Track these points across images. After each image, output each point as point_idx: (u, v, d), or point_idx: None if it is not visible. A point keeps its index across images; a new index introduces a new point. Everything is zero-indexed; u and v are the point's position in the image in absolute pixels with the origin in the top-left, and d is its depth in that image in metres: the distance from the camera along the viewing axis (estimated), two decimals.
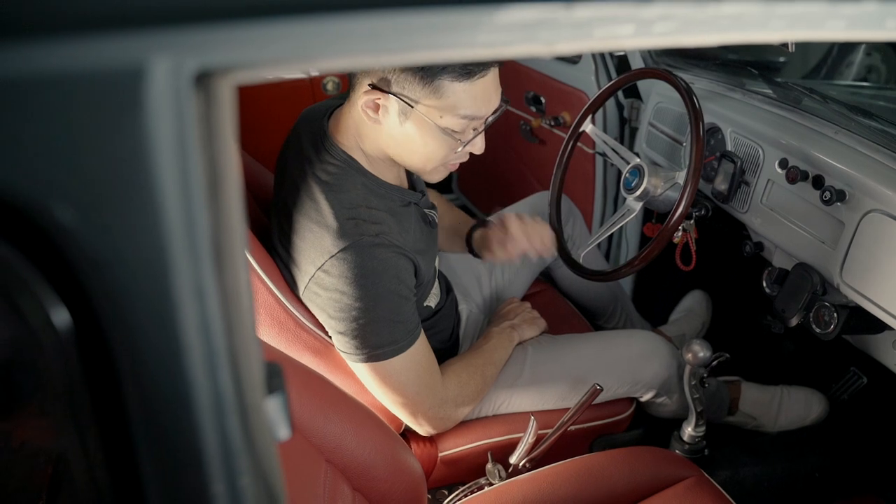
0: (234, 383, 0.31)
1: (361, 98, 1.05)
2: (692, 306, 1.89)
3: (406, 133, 1.07)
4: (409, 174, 1.29)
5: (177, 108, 0.27)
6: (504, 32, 0.33)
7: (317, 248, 1.08)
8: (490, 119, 1.11)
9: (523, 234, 1.36)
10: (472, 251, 1.50)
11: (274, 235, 1.17)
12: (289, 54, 0.28)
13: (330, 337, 1.16)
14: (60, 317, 0.28)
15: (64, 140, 0.26)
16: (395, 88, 1.02)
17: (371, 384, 1.16)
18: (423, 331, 1.18)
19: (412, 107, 1.03)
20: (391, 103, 1.04)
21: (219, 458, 0.31)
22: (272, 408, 0.35)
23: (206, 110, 0.28)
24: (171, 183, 0.27)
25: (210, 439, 0.31)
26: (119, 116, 0.26)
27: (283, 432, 0.37)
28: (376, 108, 1.05)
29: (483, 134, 1.13)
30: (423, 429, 1.24)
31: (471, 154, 1.16)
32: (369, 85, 1.03)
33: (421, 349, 1.16)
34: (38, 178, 0.26)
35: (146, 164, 0.27)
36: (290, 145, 1.20)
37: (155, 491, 0.31)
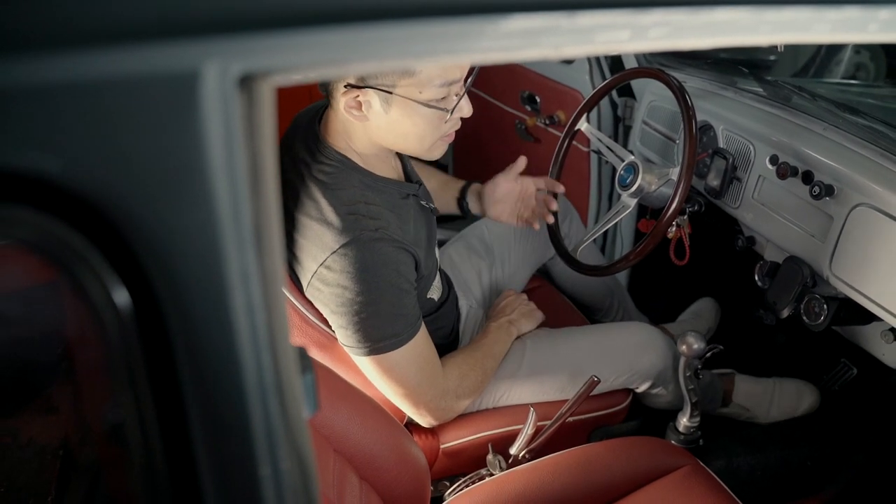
0: (273, 363, 0.33)
1: (341, 100, 1.06)
2: (701, 311, 1.91)
3: (394, 119, 1.08)
4: (405, 166, 1.31)
5: (224, 107, 0.30)
6: (514, 38, 0.36)
7: (318, 245, 1.10)
8: (469, 81, 1.13)
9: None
10: (462, 209, 1.57)
11: None
12: (322, 59, 0.31)
13: (334, 332, 1.19)
14: (121, 297, 0.31)
15: (129, 135, 0.29)
16: (370, 81, 1.04)
17: (374, 376, 1.19)
18: (423, 323, 1.20)
19: (391, 93, 1.05)
20: (371, 96, 1.06)
21: (264, 440, 0.34)
22: (304, 386, 0.38)
23: (249, 109, 0.31)
24: (220, 174, 0.30)
25: (257, 420, 0.33)
26: (176, 114, 0.29)
27: (310, 410, 0.39)
28: (358, 105, 1.07)
29: (467, 97, 1.14)
30: (424, 420, 1.27)
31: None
32: (346, 86, 1.05)
33: (422, 341, 1.19)
34: (104, 172, 0.29)
35: (199, 156, 0.30)
36: (284, 152, 1.22)
37: (207, 469, 0.34)
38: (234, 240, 0.31)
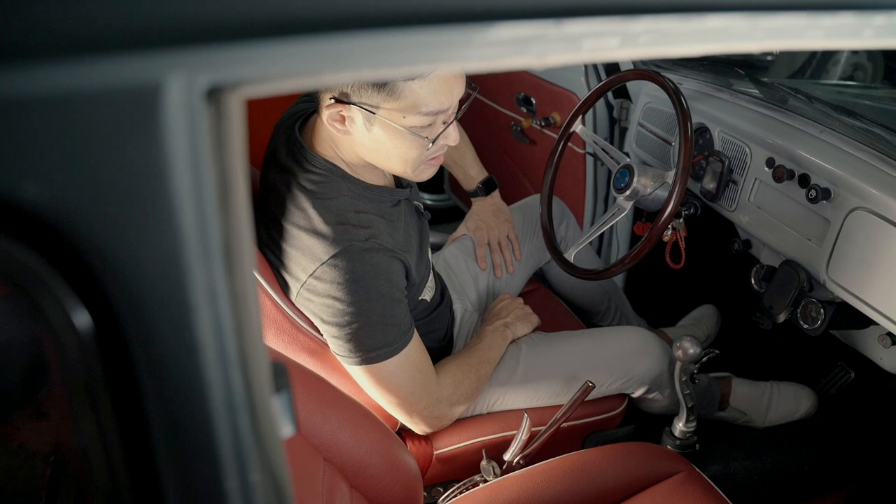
0: (244, 381, 0.32)
1: (325, 112, 1.05)
2: (701, 317, 1.91)
3: (376, 139, 1.07)
4: None
5: (190, 121, 0.29)
6: (497, 47, 0.35)
7: (308, 256, 1.09)
8: (461, 110, 1.11)
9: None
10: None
11: (263, 242, 1.18)
12: (293, 70, 0.30)
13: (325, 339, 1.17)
14: (81, 319, 0.30)
15: (88, 152, 0.28)
16: (354, 98, 1.02)
17: (367, 386, 1.17)
18: (416, 331, 1.19)
19: (374, 113, 1.03)
20: (354, 113, 1.04)
21: (231, 454, 0.33)
22: (278, 405, 0.37)
23: (217, 122, 0.30)
24: (185, 190, 0.29)
25: (223, 435, 0.32)
26: (138, 129, 0.28)
27: (289, 429, 0.38)
28: (342, 119, 1.05)
29: (455, 124, 1.12)
30: (419, 428, 1.26)
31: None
32: (331, 98, 1.04)
33: (415, 350, 1.18)
34: (61, 189, 0.28)
35: (162, 172, 0.29)
36: (269, 161, 1.20)
37: (172, 487, 0.33)
38: (201, 257, 0.30)
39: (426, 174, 1.17)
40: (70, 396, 0.32)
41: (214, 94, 0.29)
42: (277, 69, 0.30)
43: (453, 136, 1.12)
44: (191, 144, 0.29)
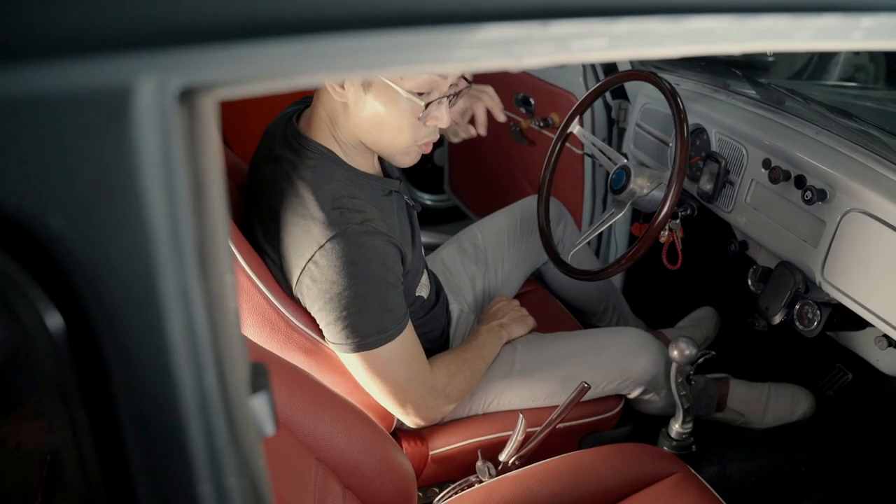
0: (219, 383, 0.32)
1: None
2: (701, 319, 1.91)
3: (372, 107, 1.08)
4: (383, 164, 1.30)
5: (162, 123, 0.29)
6: (480, 49, 0.35)
7: (305, 241, 1.10)
8: (455, 99, 1.12)
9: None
10: None
11: (260, 238, 1.18)
12: (268, 72, 0.30)
13: (321, 337, 1.17)
14: (54, 321, 0.30)
15: (57, 155, 0.28)
16: None
17: (361, 374, 1.18)
18: (410, 320, 1.20)
19: None
20: None
21: (205, 458, 0.33)
22: (257, 406, 0.37)
23: (191, 124, 0.30)
24: (156, 193, 0.29)
25: (196, 438, 0.32)
26: (108, 132, 0.28)
27: (269, 429, 0.38)
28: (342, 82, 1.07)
29: (447, 107, 1.12)
30: (410, 419, 1.25)
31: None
32: None
33: (409, 337, 1.18)
34: (32, 191, 0.28)
35: (133, 175, 0.29)
36: (262, 159, 1.21)
37: (145, 490, 0.33)
38: (172, 260, 0.30)
39: (411, 158, 1.18)
40: (43, 399, 0.32)
41: (187, 97, 0.29)
42: (252, 71, 0.30)
43: (445, 117, 1.12)
44: (163, 146, 0.29)
